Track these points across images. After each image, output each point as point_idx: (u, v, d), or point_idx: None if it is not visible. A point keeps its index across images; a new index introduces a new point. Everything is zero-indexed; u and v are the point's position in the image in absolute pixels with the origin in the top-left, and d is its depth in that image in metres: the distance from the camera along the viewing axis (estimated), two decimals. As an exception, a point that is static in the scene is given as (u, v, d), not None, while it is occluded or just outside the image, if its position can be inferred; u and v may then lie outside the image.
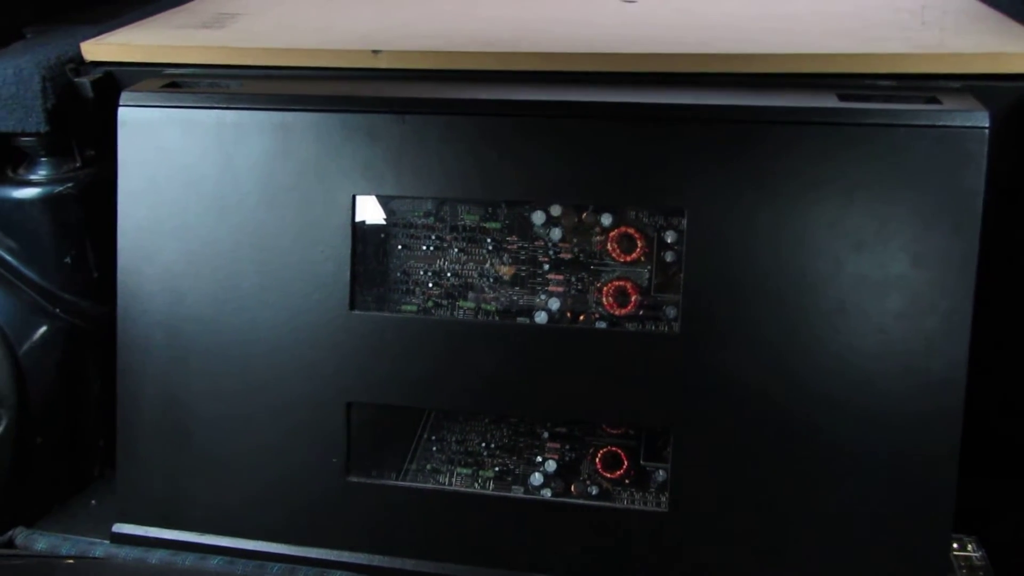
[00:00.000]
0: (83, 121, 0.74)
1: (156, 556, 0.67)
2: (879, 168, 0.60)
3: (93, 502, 0.77)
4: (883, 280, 0.60)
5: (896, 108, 0.61)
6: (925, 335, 0.60)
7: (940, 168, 0.59)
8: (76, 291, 0.76)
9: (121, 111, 0.68)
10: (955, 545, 0.65)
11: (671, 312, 0.64)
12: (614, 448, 0.68)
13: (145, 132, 0.68)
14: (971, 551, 0.65)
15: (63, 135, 0.74)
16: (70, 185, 0.74)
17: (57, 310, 0.76)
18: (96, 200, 0.74)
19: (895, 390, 0.60)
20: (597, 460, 0.68)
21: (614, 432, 0.68)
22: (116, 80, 0.74)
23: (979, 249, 0.59)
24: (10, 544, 0.70)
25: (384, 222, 0.68)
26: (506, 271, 0.66)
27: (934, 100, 0.62)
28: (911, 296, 0.60)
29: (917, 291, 0.60)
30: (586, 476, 0.68)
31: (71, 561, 0.67)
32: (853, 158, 0.60)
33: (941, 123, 0.59)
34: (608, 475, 0.68)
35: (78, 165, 0.75)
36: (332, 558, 0.67)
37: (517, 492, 0.68)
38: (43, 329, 0.75)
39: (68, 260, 0.75)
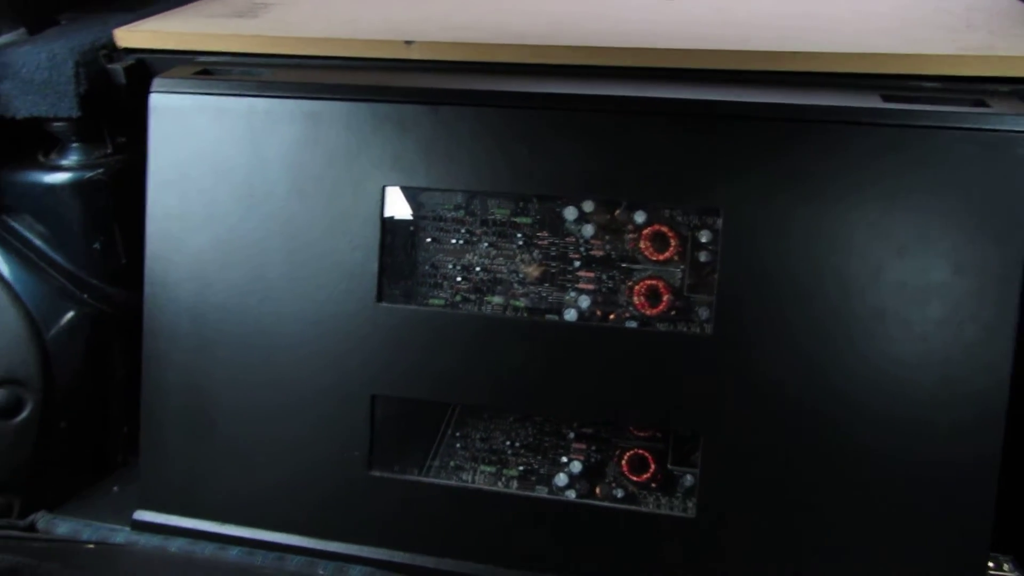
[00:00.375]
0: (115, 107, 0.74)
1: (176, 544, 0.67)
2: (923, 171, 0.58)
3: (115, 488, 0.77)
4: (924, 287, 0.58)
5: (942, 110, 0.59)
6: (966, 345, 0.58)
7: (986, 173, 0.57)
8: (104, 277, 0.76)
9: (153, 97, 0.68)
10: (991, 564, 0.63)
11: (704, 313, 0.63)
12: (641, 451, 0.66)
13: (176, 119, 0.67)
14: (1007, 571, 0.63)
15: (95, 121, 0.74)
16: (100, 171, 0.74)
17: (85, 296, 0.76)
18: (126, 187, 0.74)
19: (933, 400, 0.58)
20: (623, 462, 0.66)
21: (641, 434, 0.66)
22: (148, 67, 0.74)
23: (1025, 258, 0.57)
24: (32, 528, 0.70)
25: (413, 214, 0.67)
26: (533, 270, 0.65)
27: (982, 103, 0.60)
28: (953, 304, 0.58)
29: (959, 299, 0.58)
30: (611, 478, 0.67)
31: (91, 546, 0.66)
32: (896, 161, 0.58)
33: (989, 127, 0.57)
34: (634, 478, 0.66)
35: (109, 151, 0.75)
36: (352, 552, 0.66)
37: (541, 492, 0.67)
38: (70, 314, 0.75)
39: (97, 246, 0.75)
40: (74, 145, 0.75)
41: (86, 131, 0.74)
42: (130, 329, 0.76)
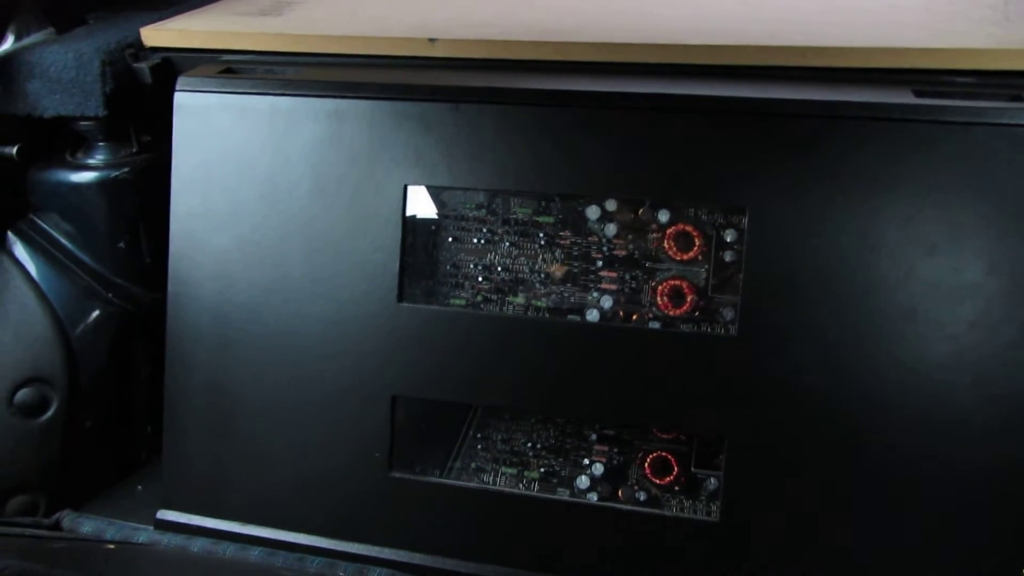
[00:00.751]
0: (141, 106, 0.74)
1: (197, 544, 0.67)
2: (956, 168, 0.56)
3: (139, 487, 0.77)
4: (956, 287, 0.57)
5: (976, 105, 0.57)
6: (1000, 345, 0.56)
7: (1021, 170, 0.56)
8: (128, 276, 0.76)
9: (177, 96, 0.68)
10: (1028, 570, 0.61)
11: (728, 314, 0.62)
12: (664, 453, 0.65)
13: (200, 117, 0.67)
14: (1044, 577, 0.61)
15: (121, 120, 0.74)
16: (126, 170, 0.74)
17: (110, 295, 0.76)
18: (151, 186, 0.74)
19: (966, 402, 0.57)
20: (646, 465, 0.65)
21: (664, 436, 0.65)
22: (174, 66, 0.74)
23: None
24: (56, 526, 0.71)
25: (435, 214, 0.67)
26: (556, 269, 0.64)
27: (1018, 98, 0.58)
28: (985, 304, 0.56)
29: (992, 299, 0.56)
30: (634, 481, 0.66)
31: (114, 546, 0.67)
32: (928, 157, 0.57)
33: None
34: (657, 481, 0.65)
35: (135, 150, 0.76)
36: (372, 554, 0.66)
37: (563, 495, 0.66)
38: (96, 313, 0.76)
39: (122, 245, 0.75)
40: (100, 144, 0.75)
41: (113, 130, 0.75)
42: (154, 329, 0.76)
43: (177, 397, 0.69)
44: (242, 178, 0.67)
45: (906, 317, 0.57)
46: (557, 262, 0.64)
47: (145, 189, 0.74)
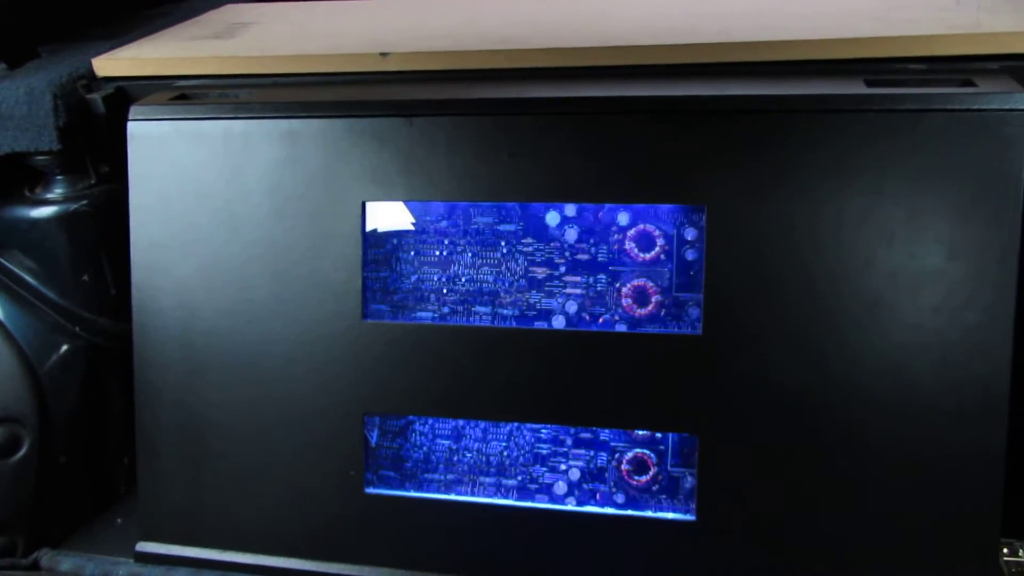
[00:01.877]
0: (96, 138, 0.74)
1: (179, 575, 0.66)
2: (912, 156, 0.57)
3: (119, 520, 0.77)
4: (918, 274, 0.57)
5: (929, 92, 0.57)
6: (965, 330, 0.56)
7: (977, 154, 0.56)
8: (95, 309, 0.76)
9: (130, 125, 0.67)
10: (1005, 550, 0.61)
11: (695, 312, 0.62)
12: (640, 453, 0.65)
13: (154, 146, 0.67)
14: (1022, 556, 0.61)
15: (77, 152, 0.74)
16: (85, 202, 0.73)
17: (77, 328, 0.75)
18: (112, 216, 0.73)
19: (934, 387, 0.57)
20: (623, 466, 0.65)
21: (640, 436, 0.65)
22: (128, 95, 0.74)
23: (1021, 239, 0.55)
24: (35, 566, 0.70)
25: (395, 228, 0.66)
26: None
27: (969, 83, 0.58)
28: (948, 290, 0.56)
29: (954, 284, 0.56)
30: (612, 483, 0.66)
31: (93, 581, 0.66)
32: (883, 147, 0.57)
33: (977, 107, 0.56)
34: (635, 481, 0.65)
35: (93, 182, 0.75)
36: (354, 574, 0.65)
37: (542, 501, 0.66)
38: (64, 348, 0.75)
39: (86, 278, 0.74)
40: (58, 178, 0.75)
41: (69, 163, 0.74)
42: (124, 359, 0.75)
43: (149, 427, 0.69)
44: (200, 205, 0.66)
45: (869, 307, 0.57)
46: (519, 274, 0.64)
47: (105, 220, 0.74)
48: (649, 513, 0.64)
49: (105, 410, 0.77)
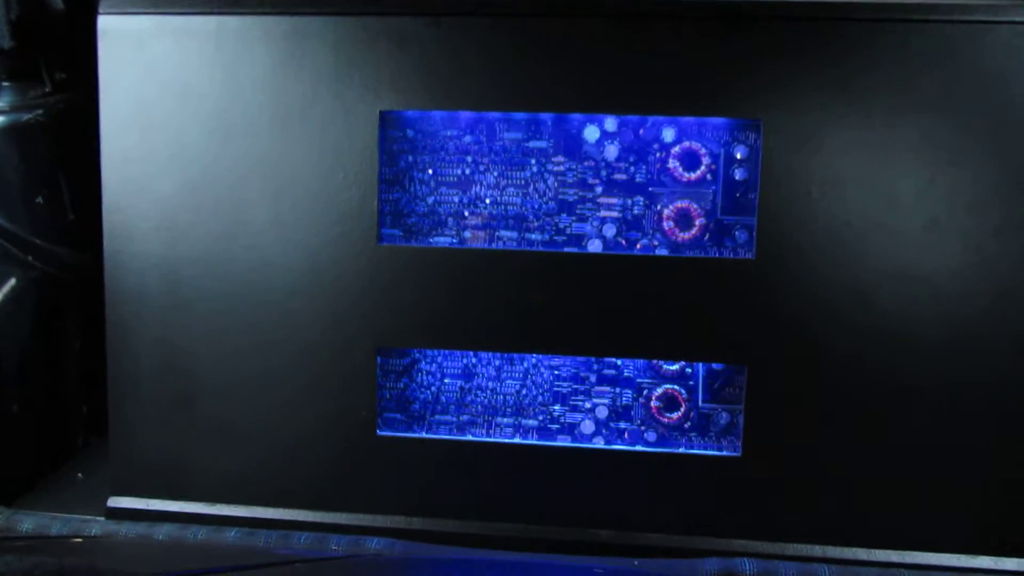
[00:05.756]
0: (53, 38, 0.64)
1: (162, 531, 0.59)
2: (981, 71, 0.53)
3: (80, 475, 0.69)
4: (979, 195, 0.54)
5: (1000, 3, 0.54)
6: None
7: (1040, 69, 0.53)
8: (51, 236, 0.67)
9: (101, 20, 0.58)
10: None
11: (742, 236, 0.58)
12: (670, 389, 0.61)
13: (130, 44, 0.58)
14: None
15: (30, 55, 0.64)
16: (39, 112, 0.64)
17: (29, 258, 0.66)
18: (70, 130, 0.65)
19: (993, 313, 0.55)
20: (652, 403, 0.61)
21: (668, 371, 0.61)
22: (92, -12, 0.64)
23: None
24: (-10, 526, 0.62)
25: (415, 142, 0.60)
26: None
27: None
28: (1011, 210, 0.54)
29: (1018, 205, 0.54)
30: (640, 421, 0.62)
31: (65, 541, 0.58)
32: (952, 60, 0.54)
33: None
34: (665, 419, 0.61)
35: (47, 90, 0.66)
36: (366, 523, 0.60)
37: (564, 441, 0.61)
38: (13, 281, 0.66)
39: (40, 200, 0.65)
40: (6, 84, 0.65)
41: (20, 67, 0.65)
42: (84, 294, 0.67)
43: (123, 369, 0.61)
44: (187, 113, 0.58)
45: (929, 229, 0.55)
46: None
47: (63, 134, 0.65)
48: (687, 450, 0.60)
49: (62, 352, 0.69)
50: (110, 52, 0.59)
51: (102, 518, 0.62)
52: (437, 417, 0.63)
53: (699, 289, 0.56)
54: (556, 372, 0.62)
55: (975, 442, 0.56)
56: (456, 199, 0.60)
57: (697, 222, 0.58)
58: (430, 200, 0.60)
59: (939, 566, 0.56)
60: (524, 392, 0.62)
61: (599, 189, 0.59)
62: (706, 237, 0.59)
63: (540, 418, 0.62)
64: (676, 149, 0.58)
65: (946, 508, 0.56)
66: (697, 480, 0.58)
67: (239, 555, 0.56)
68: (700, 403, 0.61)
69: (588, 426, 0.62)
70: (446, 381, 0.63)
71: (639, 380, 0.62)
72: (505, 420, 0.62)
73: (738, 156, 0.57)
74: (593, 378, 0.62)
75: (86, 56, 0.60)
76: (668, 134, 0.58)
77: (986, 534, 0.56)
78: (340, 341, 0.59)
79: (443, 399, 0.63)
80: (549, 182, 0.60)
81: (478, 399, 0.62)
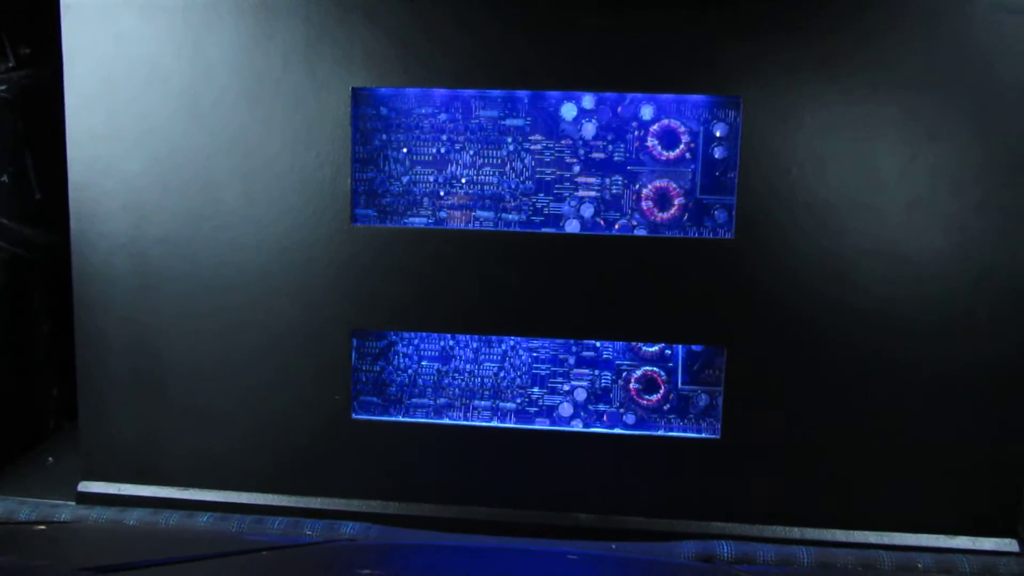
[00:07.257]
0: (16, 13, 0.62)
1: (134, 516, 0.58)
2: (963, 48, 0.53)
3: (50, 459, 0.67)
4: (961, 172, 0.53)
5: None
6: (1009, 229, 0.54)
7: None
8: (16, 215, 0.65)
9: (64, -7, 0.57)
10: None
11: (721, 216, 0.57)
12: (649, 371, 0.61)
13: (96, 18, 0.57)
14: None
15: (-9, 29, 0.62)
16: (3, 88, 0.62)
17: (-5, 239, 0.65)
18: (36, 107, 0.63)
19: (975, 292, 0.54)
20: (631, 385, 0.61)
21: (647, 353, 0.61)
22: (54, -39, 0.63)
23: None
24: (-44, 512, 0.60)
25: (389, 120, 0.59)
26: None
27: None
28: (992, 188, 0.53)
29: (998, 184, 0.53)
30: (619, 404, 0.61)
31: (33, 527, 0.57)
32: (934, 37, 0.53)
33: (1023, -4, 0.52)
34: (644, 401, 0.61)
35: (11, 65, 0.64)
36: (341, 508, 0.59)
37: (542, 424, 0.61)
38: (-22, 262, 0.64)
39: (5, 179, 0.64)
40: (-33, 60, 0.63)
41: (-19, 42, 0.63)
42: (53, 276, 0.65)
43: (92, 352, 0.60)
44: (154, 89, 0.57)
45: (910, 208, 0.54)
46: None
47: (28, 111, 0.63)
48: (666, 432, 0.59)
49: (31, 334, 0.67)
50: (74, 26, 0.57)
51: (72, 503, 0.61)
52: (414, 400, 0.62)
53: (678, 270, 0.56)
54: (535, 354, 0.61)
55: (954, 423, 0.55)
56: (431, 178, 0.59)
57: (676, 202, 0.58)
58: (405, 180, 0.59)
59: (917, 547, 0.56)
60: (502, 374, 0.61)
61: (577, 168, 0.58)
62: (685, 217, 0.58)
63: (518, 401, 0.61)
64: (655, 127, 0.57)
65: (924, 489, 0.56)
66: (676, 463, 0.58)
67: (211, 541, 0.55)
68: (680, 385, 0.61)
69: (567, 409, 0.61)
70: (423, 364, 0.62)
71: (618, 362, 0.61)
72: (483, 403, 0.62)
73: (717, 134, 0.57)
74: (572, 360, 0.61)
75: (52, 31, 0.58)
76: (647, 112, 0.57)
77: (964, 515, 0.56)
78: (314, 323, 0.58)
79: (420, 382, 0.62)
80: (526, 161, 0.58)
81: (456, 382, 0.62)
